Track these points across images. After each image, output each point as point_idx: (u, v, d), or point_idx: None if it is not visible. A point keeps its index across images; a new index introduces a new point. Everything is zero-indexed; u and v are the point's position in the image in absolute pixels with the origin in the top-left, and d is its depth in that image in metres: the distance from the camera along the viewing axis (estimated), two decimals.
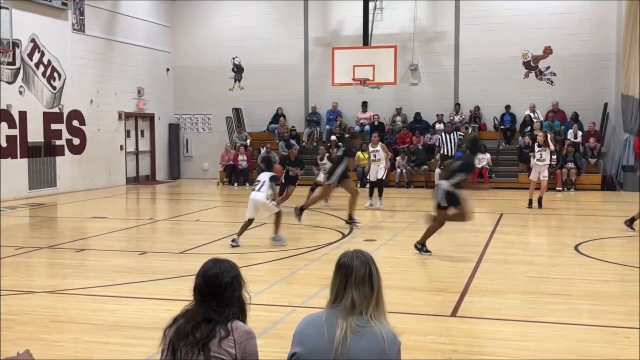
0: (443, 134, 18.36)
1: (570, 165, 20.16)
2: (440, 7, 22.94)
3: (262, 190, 10.76)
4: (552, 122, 21.59)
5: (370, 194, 15.57)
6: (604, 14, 21.46)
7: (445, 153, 18.27)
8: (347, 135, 18.85)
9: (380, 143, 15.64)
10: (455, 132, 19.11)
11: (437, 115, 22.68)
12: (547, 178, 15.48)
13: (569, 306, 7.18)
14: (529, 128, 21.54)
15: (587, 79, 21.80)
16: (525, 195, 16.25)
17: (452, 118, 22.67)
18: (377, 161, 15.39)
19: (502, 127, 22.21)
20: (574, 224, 13.42)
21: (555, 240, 11.73)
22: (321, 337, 2.93)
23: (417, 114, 22.93)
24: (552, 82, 22.32)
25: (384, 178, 15.66)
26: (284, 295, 7.62)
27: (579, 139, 20.90)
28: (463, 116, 22.60)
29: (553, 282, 8.33)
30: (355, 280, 2.97)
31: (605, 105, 21.40)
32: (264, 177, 10.94)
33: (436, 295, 7.68)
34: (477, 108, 22.58)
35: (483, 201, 17.32)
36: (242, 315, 3.22)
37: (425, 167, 21.11)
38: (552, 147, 15.56)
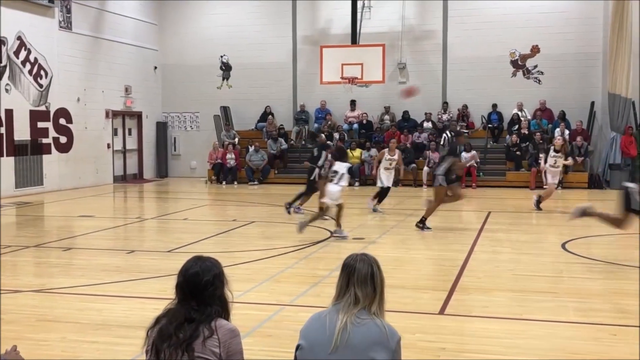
0: (448, 133, 18.30)
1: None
2: (429, 6, 22.98)
3: (339, 184, 11.01)
4: (539, 120, 21.69)
5: (380, 199, 15.14)
6: (591, 13, 21.58)
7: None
8: (451, 134, 18.32)
9: (397, 150, 15.27)
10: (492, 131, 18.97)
11: (426, 114, 22.73)
12: (556, 184, 15.35)
13: (556, 304, 7.21)
14: (516, 127, 21.64)
15: (574, 77, 21.92)
16: (514, 193, 16.34)
17: (439, 117, 22.75)
18: (391, 169, 15.07)
19: (489, 125, 22.30)
20: (561, 222, 13.47)
21: (542, 238, 11.78)
22: (323, 330, 3.10)
23: (406, 113, 22.96)
24: (539, 80, 22.42)
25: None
26: (272, 294, 7.61)
27: (567, 138, 20.99)
28: (451, 115, 22.67)
29: (540, 280, 8.36)
30: (358, 279, 3.15)
31: (592, 103, 21.52)
32: (341, 168, 11.02)
33: (424, 293, 7.69)
34: (465, 107, 22.65)
35: (471, 199, 17.37)
36: (224, 314, 3.20)
37: (414, 165, 21.14)
38: (566, 153, 15.60)
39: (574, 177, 20.40)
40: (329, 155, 13.30)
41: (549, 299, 7.42)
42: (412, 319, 6.49)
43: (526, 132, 21.18)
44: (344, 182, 11.12)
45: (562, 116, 21.55)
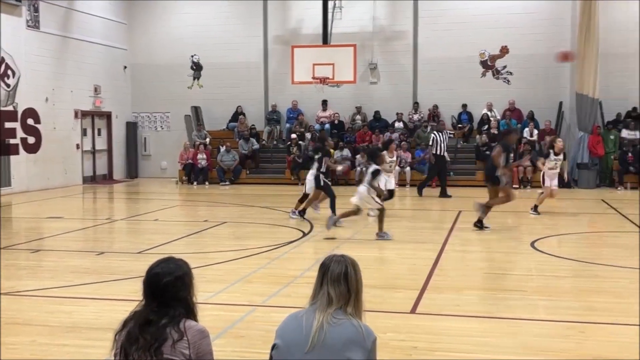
0: (436, 133, 18.35)
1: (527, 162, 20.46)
2: (399, 7, 23.10)
3: (364, 184, 11.19)
4: (509, 120, 21.91)
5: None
6: (559, 14, 21.85)
7: (438, 152, 18.15)
8: (503, 132, 17.65)
9: (395, 152, 15.23)
10: (445, 131, 19.06)
11: (397, 114, 22.85)
12: (557, 186, 15.26)
13: (525, 302, 7.29)
14: (486, 127, 21.85)
15: (542, 78, 22.19)
16: (484, 192, 16.42)
17: (410, 117, 22.88)
18: (391, 170, 15.07)
19: (459, 125, 22.48)
20: (530, 220, 13.63)
21: (512, 237, 11.90)
22: (299, 329, 3.12)
23: (377, 113, 23.05)
24: (508, 81, 22.66)
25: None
26: (244, 294, 7.59)
27: (535, 137, 21.25)
28: (422, 115, 22.81)
29: (510, 279, 8.46)
30: (331, 279, 3.17)
31: (561, 104, 21.81)
32: (371, 169, 11.22)
33: (395, 292, 7.73)
34: (436, 107, 22.80)
35: (442, 199, 17.51)
36: (190, 316, 3.18)
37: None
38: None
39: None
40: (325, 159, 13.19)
41: (519, 297, 7.50)
42: (384, 318, 6.51)
43: (496, 132, 21.37)
44: (367, 183, 11.16)
45: (531, 116, 21.80)
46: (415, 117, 22.76)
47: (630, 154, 20.12)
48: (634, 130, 20.73)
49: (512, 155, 12.96)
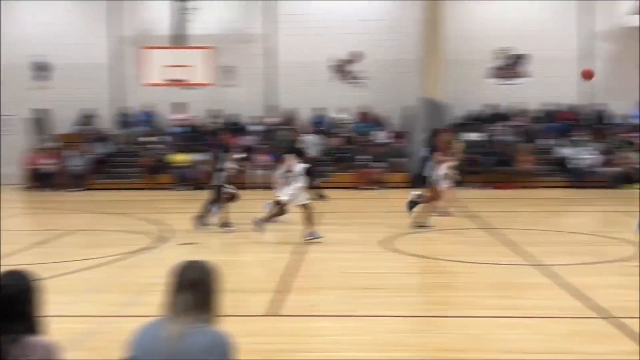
0: (303, 136, 18.22)
1: (379, 164, 21.15)
2: (255, 9, 23.14)
3: (293, 184, 11.23)
4: (361, 124, 22.54)
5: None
6: (407, 22, 22.75)
7: (313, 156, 18.04)
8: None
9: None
10: (317, 135, 18.93)
11: (253, 117, 22.85)
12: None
13: (380, 299, 7.51)
14: (340, 130, 22.34)
15: (392, 82, 23.00)
16: (340, 194, 16.81)
17: (267, 120, 22.96)
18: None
19: (315, 129, 22.82)
20: (383, 220, 14.05)
21: (366, 237, 12.15)
22: (154, 340, 3.01)
23: (233, 116, 22.95)
24: (360, 85, 23.31)
25: None
26: (97, 305, 7.28)
27: (386, 140, 22.01)
28: (278, 118, 22.95)
29: (366, 277, 8.67)
30: (184, 286, 3.07)
31: (409, 108, 22.72)
32: (298, 168, 11.29)
33: (254, 295, 7.70)
34: (292, 110, 23.03)
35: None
36: (36, 332, 2.97)
37: (242, 168, 21.11)
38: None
39: (394, 177, 21.35)
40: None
41: (375, 294, 7.71)
42: (244, 322, 6.46)
43: (349, 136, 21.93)
44: (300, 182, 11.16)
45: (382, 120, 22.57)
46: (272, 120, 22.88)
47: (476, 156, 21.26)
48: (479, 133, 21.98)
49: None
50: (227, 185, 12.57)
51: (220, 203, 12.46)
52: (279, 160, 13.11)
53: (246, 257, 10.29)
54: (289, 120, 22.86)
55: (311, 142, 18.09)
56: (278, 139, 21.74)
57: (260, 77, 23.27)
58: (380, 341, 5.99)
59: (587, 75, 13.78)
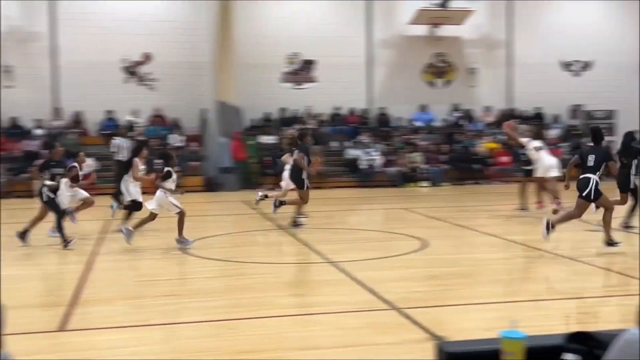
0: (121, 139, 16.92)
1: (176, 168, 20.81)
2: (34, 7, 21.77)
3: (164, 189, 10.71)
4: (155, 127, 22.05)
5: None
6: (198, 24, 22.65)
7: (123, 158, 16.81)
8: (299, 135, 14.50)
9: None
10: (130, 138, 17.65)
11: (36, 120, 21.47)
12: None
13: (177, 306, 7.36)
14: (132, 133, 21.66)
15: (186, 85, 22.77)
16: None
17: (51, 123, 21.70)
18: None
19: (104, 132, 21.93)
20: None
21: (161, 244, 11.84)
22: None
23: (13, 119, 21.40)
24: (152, 87, 22.80)
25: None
26: None
27: (182, 144, 21.73)
28: (64, 121, 21.78)
29: (163, 284, 8.48)
30: None
31: (204, 111, 22.62)
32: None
33: (44, 310, 7.23)
34: (79, 113, 21.96)
35: (90, 208, 16.83)
36: None
37: (27, 175, 19.73)
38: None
39: (190, 181, 21.10)
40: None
41: (172, 301, 7.55)
42: (29, 339, 6.01)
43: (142, 139, 21.32)
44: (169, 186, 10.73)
45: (176, 123, 22.24)
46: (57, 123, 21.65)
47: (268, 158, 21.68)
48: (270, 136, 22.40)
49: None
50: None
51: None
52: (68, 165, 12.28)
53: (29, 270, 9.60)
54: (75, 124, 21.79)
55: (120, 146, 17.22)
56: (63, 143, 20.58)
57: (43, 78, 21.92)
58: (177, 348, 5.87)
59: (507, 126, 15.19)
